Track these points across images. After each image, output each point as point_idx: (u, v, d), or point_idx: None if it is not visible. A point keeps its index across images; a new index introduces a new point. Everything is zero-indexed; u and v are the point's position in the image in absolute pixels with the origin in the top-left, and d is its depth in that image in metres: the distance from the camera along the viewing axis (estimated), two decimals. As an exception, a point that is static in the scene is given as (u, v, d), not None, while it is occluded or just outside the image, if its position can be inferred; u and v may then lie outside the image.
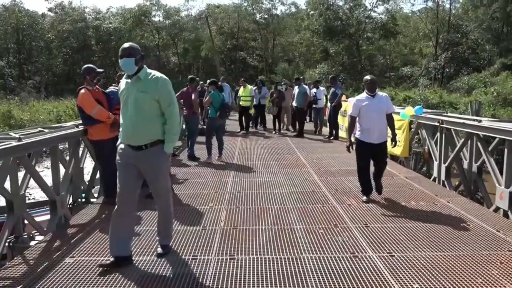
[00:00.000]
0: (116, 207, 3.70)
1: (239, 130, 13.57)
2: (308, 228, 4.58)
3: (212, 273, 3.50)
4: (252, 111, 14.26)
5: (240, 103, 13.55)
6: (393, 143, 5.58)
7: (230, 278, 3.41)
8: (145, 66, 3.62)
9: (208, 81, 10.00)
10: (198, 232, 4.48)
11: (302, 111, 12.49)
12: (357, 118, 5.51)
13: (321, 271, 3.49)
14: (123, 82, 3.71)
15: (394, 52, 42.44)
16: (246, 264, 3.67)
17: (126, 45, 3.64)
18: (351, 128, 5.60)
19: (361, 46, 37.46)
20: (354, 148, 5.60)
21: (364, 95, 5.49)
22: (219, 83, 12.43)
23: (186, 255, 3.87)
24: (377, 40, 37.90)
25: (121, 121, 3.71)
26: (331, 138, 11.80)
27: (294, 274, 3.45)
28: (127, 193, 3.72)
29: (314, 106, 13.16)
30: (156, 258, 3.81)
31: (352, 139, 5.63)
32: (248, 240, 4.24)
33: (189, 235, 4.39)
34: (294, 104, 12.46)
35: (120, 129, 3.72)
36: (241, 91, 13.67)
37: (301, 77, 15.99)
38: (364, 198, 5.61)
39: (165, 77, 3.62)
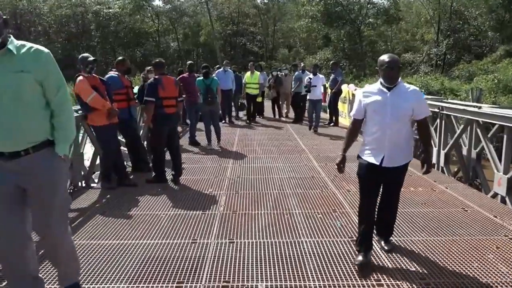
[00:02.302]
0: None
1: (247, 121, 12.62)
2: (307, 213, 4.61)
3: (211, 256, 3.54)
4: (260, 99, 13.21)
5: (247, 91, 12.42)
6: (425, 166, 3.48)
7: (229, 261, 3.46)
8: (11, 35, 2.45)
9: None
10: (197, 217, 4.52)
11: (298, 97, 12.31)
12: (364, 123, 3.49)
13: (319, 255, 3.54)
14: None
15: (396, 38, 42.10)
16: (245, 247, 3.71)
17: None
18: (349, 137, 3.51)
19: (363, 32, 37.13)
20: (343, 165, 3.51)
21: (376, 86, 3.36)
22: (222, 68, 11.99)
23: (186, 239, 3.91)
24: (379, 26, 37.56)
25: None
26: (331, 124, 11.80)
27: (292, 258, 3.49)
28: (7, 236, 2.47)
29: (308, 97, 10.78)
30: (159, 241, 3.85)
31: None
32: (247, 224, 4.28)
33: (189, 220, 4.43)
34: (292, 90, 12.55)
35: None
36: (247, 77, 12.45)
37: (301, 63, 15.91)
38: (360, 258, 3.35)
39: (46, 49, 2.50)
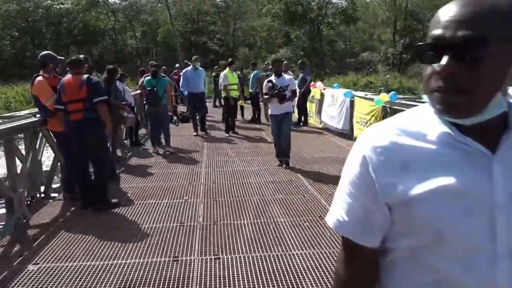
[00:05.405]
0: None
1: (225, 132, 10.30)
2: (293, 221, 4.36)
3: (197, 276, 3.21)
4: (241, 102, 11.11)
5: (231, 93, 9.85)
6: None
7: (217, 280, 3.14)
8: None
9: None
10: (176, 230, 4.16)
11: (256, 97, 11.92)
12: None
13: (315, 269, 3.29)
14: None
15: (354, 38, 43.00)
16: (233, 264, 3.41)
17: None
18: None
19: (322, 31, 37.61)
20: None
21: (430, 123, 0.88)
22: (192, 65, 10.19)
23: (167, 257, 3.55)
24: (337, 25, 38.19)
25: None
26: (301, 124, 11.66)
27: (286, 273, 3.23)
28: None
29: (270, 112, 6.80)
30: (137, 261, 3.47)
31: None
32: (231, 236, 3.97)
33: (167, 233, 4.06)
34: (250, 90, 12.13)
35: None
36: (230, 77, 9.77)
37: (266, 62, 15.70)
38: None
39: None
